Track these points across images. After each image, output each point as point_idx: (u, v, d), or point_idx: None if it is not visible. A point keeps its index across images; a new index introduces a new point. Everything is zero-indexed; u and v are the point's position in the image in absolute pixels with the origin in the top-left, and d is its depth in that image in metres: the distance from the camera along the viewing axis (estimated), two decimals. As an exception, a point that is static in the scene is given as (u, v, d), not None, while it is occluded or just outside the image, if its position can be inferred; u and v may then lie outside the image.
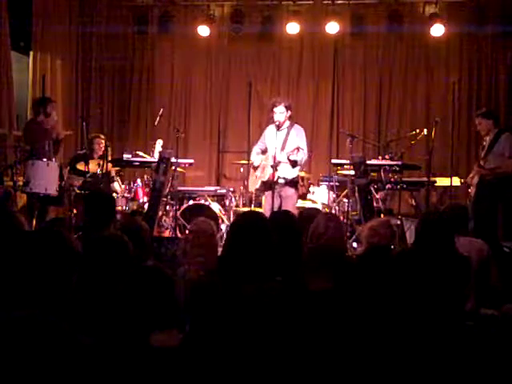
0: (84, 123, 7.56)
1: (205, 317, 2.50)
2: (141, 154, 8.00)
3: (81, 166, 7.40)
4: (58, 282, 2.28)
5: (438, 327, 2.31)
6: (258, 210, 7.13)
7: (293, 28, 9.20)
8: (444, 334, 2.30)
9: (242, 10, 9.57)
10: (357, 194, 6.86)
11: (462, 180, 7.60)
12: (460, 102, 9.45)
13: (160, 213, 7.34)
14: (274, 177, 6.63)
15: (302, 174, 8.49)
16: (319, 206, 7.65)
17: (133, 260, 2.75)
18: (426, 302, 2.35)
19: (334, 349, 2.36)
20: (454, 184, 7.45)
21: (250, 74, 9.98)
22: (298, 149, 6.49)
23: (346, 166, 7.49)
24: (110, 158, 7.61)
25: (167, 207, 7.93)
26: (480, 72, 9.44)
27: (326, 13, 9.29)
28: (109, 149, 7.55)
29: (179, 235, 7.16)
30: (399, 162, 7.22)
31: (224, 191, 8.46)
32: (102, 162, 7.31)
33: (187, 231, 4.69)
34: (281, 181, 6.72)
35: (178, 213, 7.60)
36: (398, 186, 7.33)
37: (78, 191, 7.23)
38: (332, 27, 9.10)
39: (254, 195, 7.96)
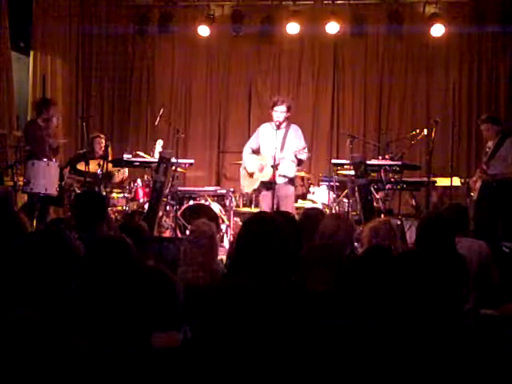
0: (84, 123, 7.56)
1: (205, 318, 2.49)
2: (141, 154, 8.01)
3: (81, 166, 7.41)
4: (58, 282, 2.28)
5: (437, 328, 2.31)
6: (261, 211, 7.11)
7: (293, 28, 9.19)
8: (444, 335, 2.31)
9: (242, 10, 9.56)
10: (357, 194, 6.86)
11: (462, 180, 7.61)
12: (460, 102, 9.48)
13: (160, 213, 7.34)
14: (274, 177, 6.63)
15: (302, 174, 8.50)
16: (319, 207, 7.65)
17: (134, 262, 2.75)
18: (426, 302, 2.35)
19: (334, 349, 2.36)
20: (454, 184, 7.45)
21: (249, 73, 9.99)
22: (304, 148, 6.54)
23: (346, 166, 7.49)
24: (110, 158, 7.62)
25: (167, 207, 7.93)
26: (480, 72, 9.43)
27: (325, 13, 9.28)
28: (109, 149, 7.55)
29: (179, 235, 7.17)
30: (399, 162, 7.22)
31: (224, 191, 8.46)
32: (102, 162, 7.32)
33: (187, 232, 4.70)
34: (281, 180, 6.72)
35: (179, 213, 7.60)
36: (398, 186, 7.33)
37: (78, 191, 7.23)
38: (332, 27, 9.10)
39: (254, 196, 7.97)
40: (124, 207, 7.82)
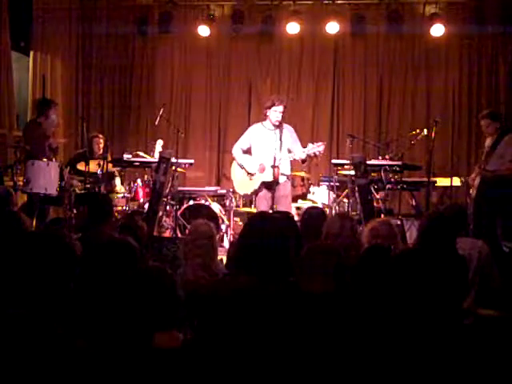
0: (84, 123, 7.55)
1: (205, 318, 2.49)
2: (141, 154, 8.01)
3: (81, 166, 7.40)
4: (56, 282, 2.28)
5: (437, 328, 2.31)
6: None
7: (293, 28, 9.19)
8: (443, 336, 2.31)
9: (242, 10, 9.56)
10: (357, 194, 6.85)
11: (463, 179, 7.61)
12: (460, 102, 9.48)
13: (160, 213, 7.34)
14: (277, 176, 6.62)
15: (302, 174, 8.50)
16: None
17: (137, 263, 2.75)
18: (426, 302, 2.35)
19: (333, 349, 2.36)
20: (454, 184, 7.44)
21: (249, 73, 9.99)
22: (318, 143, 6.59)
23: (346, 166, 7.49)
24: (109, 158, 7.62)
25: (167, 207, 7.93)
26: (480, 72, 9.44)
27: (326, 13, 9.28)
28: (108, 149, 7.55)
29: (179, 235, 7.16)
30: (399, 162, 7.22)
31: (224, 191, 8.46)
32: (102, 162, 7.31)
33: (187, 232, 4.70)
34: (282, 178, 6.72)
35: (179, 213, 7.60)
36: (398, 186, 7.34)
37: (78, 192, 7.23)
38: (332, 27, 9.10)
39: (254, 196, 7.95)
40: (124, 207, 7.82)
